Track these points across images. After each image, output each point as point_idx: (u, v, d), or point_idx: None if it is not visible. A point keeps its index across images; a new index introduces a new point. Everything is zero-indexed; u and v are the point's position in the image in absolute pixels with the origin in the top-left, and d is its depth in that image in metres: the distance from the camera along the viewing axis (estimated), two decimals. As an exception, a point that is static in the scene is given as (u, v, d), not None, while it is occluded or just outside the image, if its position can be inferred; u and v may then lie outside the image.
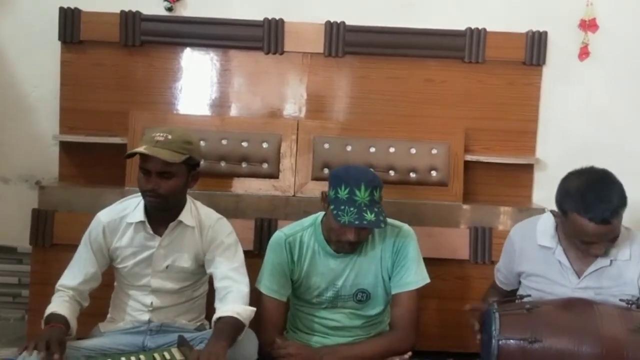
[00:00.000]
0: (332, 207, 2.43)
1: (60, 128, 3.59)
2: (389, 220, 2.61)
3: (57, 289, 2.47)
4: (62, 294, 2.45)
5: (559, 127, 3.65)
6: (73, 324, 2.37)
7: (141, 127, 3.34)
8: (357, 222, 2.38)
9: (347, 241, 2.46)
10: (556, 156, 3.62)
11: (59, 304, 2.40)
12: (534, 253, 2.48)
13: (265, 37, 3.55)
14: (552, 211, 2.40)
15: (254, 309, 2.43)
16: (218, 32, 3.56)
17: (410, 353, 2.56)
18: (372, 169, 3.21)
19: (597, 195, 2.22)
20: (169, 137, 2.39)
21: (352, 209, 2.37)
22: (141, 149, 2.38)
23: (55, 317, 2.33)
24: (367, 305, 2.63)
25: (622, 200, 2.25)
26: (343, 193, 2.40)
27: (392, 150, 3.43)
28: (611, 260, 2.37)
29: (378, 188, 2.44)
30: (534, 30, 3.56)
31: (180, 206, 2.52)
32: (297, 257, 2.59)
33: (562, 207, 2.31)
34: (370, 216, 2.38)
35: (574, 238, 2.33)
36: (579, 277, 2.40)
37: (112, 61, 3.58)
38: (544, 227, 2.48)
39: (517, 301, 2.37)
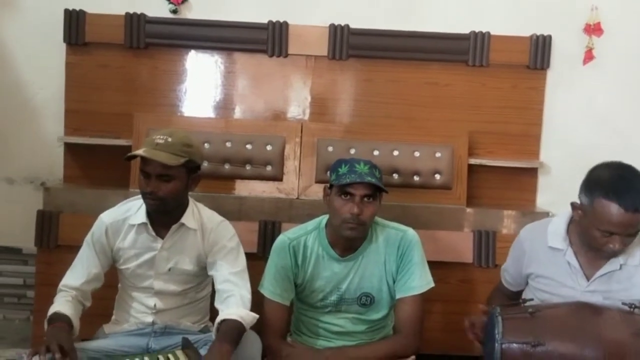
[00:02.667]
0: (334, 182, 2.48)
1: (65, 130, 3.61)
2: (393, 223, 2.64)
3: (60, 289, 2.46)
4: (65, 294, 2.43)
5: (562, 131, 3.65)
6: (76, 323, 2.36)
7: (146, 129, 3.34)
8: (358, 180, 2.42)
9: (353, 216, 2.42)
10: (560, 160, 3.63)
11: (62, 304, 2.38)
12: (543, 255, 2.47)
13: (270, 39, 3.56)
14: (572, 203, 2.36)
15: (257, 315, 2.41)
16: (222, 34, 3.57)
17: (414, 357, 2.57)
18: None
19: (628, 184, 2.22)
20: (169, 139, 2.39)
21: (353, 175, 2.44)
22: (140, 151, 2.38)
23: (59, 317, 2.32)
24: (371, 309, 2.62)
25: None
26: (344, 169, 2.47)
27: (395, 153, 3.42)
28: (621, 265, 2.36)
29: (377, 169, 2.51)
30: (538, 34, 3.56)
31: (181, 209, 2.51)
32: (301, 261, 2.59)
33: (589, 193, 2.27)
34: (370, 179, 2.44)
35: (593, 229, 2.26)
36: (588, 280, 2.39)
37: (117, 63, 3.60)
38: (555, 228, 2.46)
39: (521, 305, 2.37)
